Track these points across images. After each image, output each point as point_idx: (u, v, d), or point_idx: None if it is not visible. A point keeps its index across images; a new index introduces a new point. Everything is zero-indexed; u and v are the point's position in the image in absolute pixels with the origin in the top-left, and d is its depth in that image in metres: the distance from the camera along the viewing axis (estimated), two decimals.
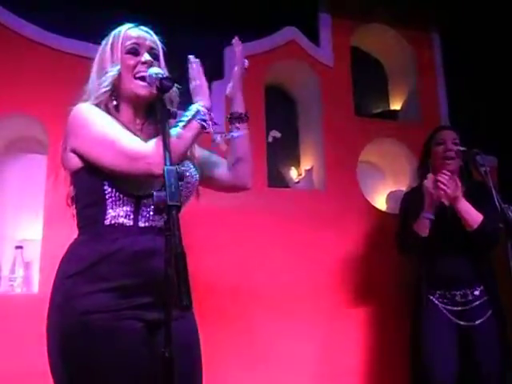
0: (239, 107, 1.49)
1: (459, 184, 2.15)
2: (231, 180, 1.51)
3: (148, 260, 1.20)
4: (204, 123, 1.22)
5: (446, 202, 2.22)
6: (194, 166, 1.41)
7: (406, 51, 3.20)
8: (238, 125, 1.48)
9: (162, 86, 1.18)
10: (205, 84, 1.29)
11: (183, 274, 0.91)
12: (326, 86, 2.92)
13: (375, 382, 2.64)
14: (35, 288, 2.33)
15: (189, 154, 1.37)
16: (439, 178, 2.14)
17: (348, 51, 3.04)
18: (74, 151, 1.29)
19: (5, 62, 2.40)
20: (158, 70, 1.24)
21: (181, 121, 1.23)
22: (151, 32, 1.41)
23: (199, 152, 1.48)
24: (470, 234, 2.16)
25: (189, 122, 1.22)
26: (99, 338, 1.16)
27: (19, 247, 2.36)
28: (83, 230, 1.30)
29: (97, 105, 1.31)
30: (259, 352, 2.44)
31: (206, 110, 1.24)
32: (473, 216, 2.15)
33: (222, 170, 1.51)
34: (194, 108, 1.24)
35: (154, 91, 1.22)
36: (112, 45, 1.36)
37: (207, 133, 1.27)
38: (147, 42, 1.37)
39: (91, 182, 1.27)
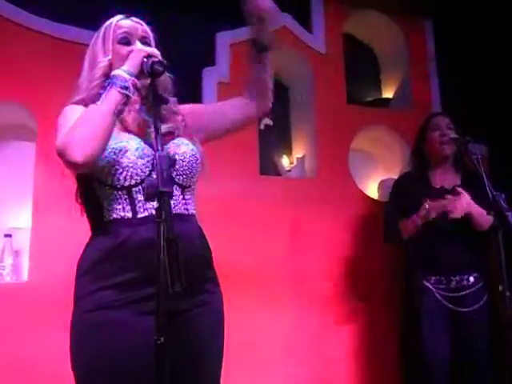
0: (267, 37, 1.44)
1: (467, 197, 2.13)
2: (253, 111, 1.49)
3: (149, 250, 1.14)
4: (124, 90, 1.15)
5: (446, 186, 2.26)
6: (189, 142, 1.36)
7: (398, 38, 3.18)
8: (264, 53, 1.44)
9: (153, 71, 1.15)
10: (135, 51, 1.22)
11: (175, 260, 0.90)
12: (318, 73, 2.91)
13: (367, 368, 2.66)
14: (25, 276, 2.32)
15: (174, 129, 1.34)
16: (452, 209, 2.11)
17: (340, 38, 3.03)
18: None
19: (3, 51, 2.36)
20: None
21: (99, 94, 1.19)
22: (142, 22, 1.39)
23: (206, 110, 1.49)
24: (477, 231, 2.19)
25: (106, 92, 1.16)
26: (106, 335, 1.16)
27: (8, 235, 2.34)
28: (92, 228, 1.30)
29: (85, 98, 1.28)
30: (252, 338, 2.45)
31: (127, 75, 1.17)
32: (484, 221, 2.16)
33: (241, 107, 1.48)
34: (112, 75, 1.19)
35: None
36: (103, 36, 1.34)
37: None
38: (139, 32, 1.35)
39: (82, 182, 1.26)
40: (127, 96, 1.17)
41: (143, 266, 1.17)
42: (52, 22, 2.48)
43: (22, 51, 2.39)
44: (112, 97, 1.16)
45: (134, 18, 1.38)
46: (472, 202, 2.13)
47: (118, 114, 1.17)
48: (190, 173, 1.31)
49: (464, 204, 2.11)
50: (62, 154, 1.13)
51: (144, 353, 1.12)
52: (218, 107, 1.54)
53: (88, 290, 1.19)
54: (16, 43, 2.40)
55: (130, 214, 1.22)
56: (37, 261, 2.25)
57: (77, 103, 1.29)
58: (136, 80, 1.17)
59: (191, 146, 1.34)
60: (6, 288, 2.25)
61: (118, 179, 1.21)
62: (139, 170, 1.21)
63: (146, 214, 1.22)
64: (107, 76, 1.28)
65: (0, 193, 2.46)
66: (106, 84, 1.18)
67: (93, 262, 1.21)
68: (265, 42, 1.43)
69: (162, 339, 0.93)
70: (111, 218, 1.23)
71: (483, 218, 2.13)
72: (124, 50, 1.31)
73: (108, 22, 1.38)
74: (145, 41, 1.35)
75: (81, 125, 1.14)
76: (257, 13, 1.39)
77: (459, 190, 2.12)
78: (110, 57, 1.30)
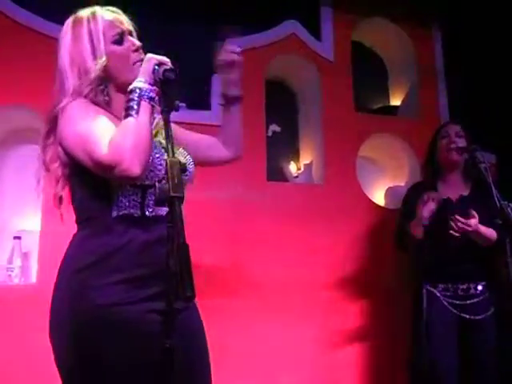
0: (235, 90, 1.50)
1: (475, 217, 2.12)
2: (228, 155, 1.54)
3: (156, 249, 1.19)
4: (152, 101, 1.17)
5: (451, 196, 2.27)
6: (187, 152, 1.39)
7: (406, 47, 3.19)
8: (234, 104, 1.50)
9: (165, 78, 1.15)
10: (145, 60, 1.22)
11: (186, 265, 0.91)
12: (326, 81, 2.92)
13: (373, 375, 2.65)
14: (33, 278, 2.34)
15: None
16: (454, 227, 2.11)
17: (349, 46, 3.04)
18: (63, 149, 1.25)
19: (3, 53, 2.39)
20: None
21: (129, 107, 1.16)
22: (120, 11, 1.37)
23: (188, 135, 1.50)
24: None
25: (138, 104, 1.16)
26: (118, 332, 1.15)
27: (17, 237, 2.36)
28: (87, 223, 1.27)
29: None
30: (255, 346, 2.45)
31: (148, 85, 1.17)
32: (488, 238, 2.16)
33: (216, 148, 1.53)
34: (135, 88, 1.18)
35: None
36: (90, 34, 1.29)
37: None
38: (126, 25, 1.34)
39: (94, 175, 1.21)
40: (153, 106, 1.18)
41: (152, 264, 1.19)
42: (58, 24, 2.49)
43: (32, 55, 2.41)
44: (146, 109, 1.17)
45: (112, 9, 1.35)
46: (478, 225, 2.12)
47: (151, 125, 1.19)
48: (189, 179, 1.36)
49: (469, 226, 2.10)
50: (113, 167, 1.11)
51: (153, 353, 1.12)
52: (197, 138, 1.54)
53: (98, 284, 1.17)
54: (27, 47, 2.42)
55: (138, 212, 1.23)
56: (45, 263, 2.27)
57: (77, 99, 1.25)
58: (159, 90, 1.17)
59: (190, 158, 1.38)
60: (14, 290, 2.27)
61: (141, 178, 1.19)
62: (159, 173, 1.23)
63: (154, 213, 1.24)
64: (104, 78, 1.27)
65: (10, 195, 2.48)
66: (135, 97, 1.17)
67: (101, 256, 1.19)
68: (234, 95, 1.49)
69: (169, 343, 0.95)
70: (120, 214, 1.22)
71: (487, 237, 2.14)
72: (120, 49, 1.30)
73: (88, 15, 1.31)
74: (132, 34, 1.34)
75: (129, 139, 1.13)
76: (226, 66, 1.45)
77: (473, 213, 2.11)
78: (104, 59, 1.27)
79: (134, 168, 1.11)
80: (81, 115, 1.22)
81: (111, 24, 1.31)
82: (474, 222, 2.10)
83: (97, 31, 1.29)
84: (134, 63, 1.29)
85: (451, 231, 2.10)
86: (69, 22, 1.35)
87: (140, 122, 1.15)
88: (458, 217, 2.10)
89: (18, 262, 2.32)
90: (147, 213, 1.23)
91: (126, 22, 1.35)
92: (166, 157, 1.24)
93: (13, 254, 2.33)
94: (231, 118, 1.51)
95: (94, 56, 1.28)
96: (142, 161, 1.13)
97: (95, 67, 1.26)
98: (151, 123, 1.19)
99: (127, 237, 1.21)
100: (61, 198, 1.31)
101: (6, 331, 2.14)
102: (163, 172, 1.21)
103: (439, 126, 2.49)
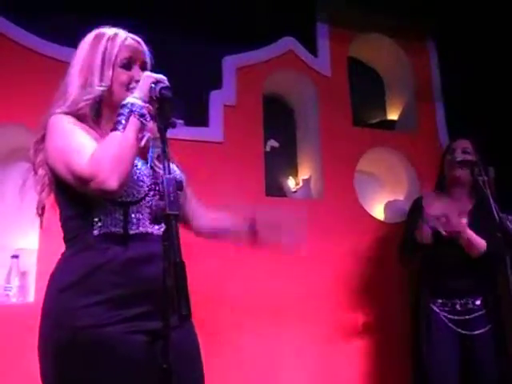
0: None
1: (463, 220, 2.12)
2: (192, 227, 1.52)
3: (142, 267, 1.18)
4: (142, 118, 1.17)
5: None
6: (178, 168, 1.39)
7: (403, 61, 3.22)
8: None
9: (162, 96, 1.16)
10: (142, 77, 1.22)
11: (182, 283, 0.90)
12: (323, 96, 2.93)
13: None
14: (31, 297, 2.32)
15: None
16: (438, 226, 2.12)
17: (345, 61, 3.06)
18: (48, 166, 1.25)
19: (5, 72, 2.40)
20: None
21: (117, 121, 1.16)
22: (142, 42, 1.37)
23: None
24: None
25: (127, 119, 1.16)
26: (99, 354, 1.12)
27: (15, 256, 2.34)
28: (71, 242, 1.26)
29: (72, 113, 1.26)
30: (249, 361, 2.42)
31: (142, 102, 1.17)
32: (476, 246, 2.14)
33: (194, 215, 1.51)
34: (127, 103, 1.18)
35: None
36: (103, 54, 1.30)
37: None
38: (141, 56, 1.34)
39: (75, 192, 1.20)
40: (143, 123, 1.18)
41: (136, 283, 1.17)
42: (57, 45, 2.50)
43: (34, 75, 2.42)
44: (134, 125, 1.17)
45: (135, 37, 1.36)
46: (467, 229, 2.12)
47: (139, 141, 1.19)
48: (182, 196, 1.34)
49: (460, 225, 2.10)
50: (90, 179, 1.10)
51: (140, 374, 1.12)
52: (191, 198, 1.51)
53: (77, 305, 1.15)
54: (28, 67, 2.43)
55: (121, 230, 1.21)
56: (43, 282, 2.22)
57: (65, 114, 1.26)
58: (151, 107, 1.18)
59: (180, 174, 1.38)
60: (12, 309, 2.25)
61: (120, 195, 1.19)
62: (141, 189, 1.22)
63: (137, 231, 1.22)
64: (101, 96, 1.28)
65: (7, 214, 2.47)
66: (125, 112, 1.17)
67: (81, 276, 1.17)
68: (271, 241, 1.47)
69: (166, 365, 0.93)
70: (101, 232, 1.21)
71: (475, 244, 2.13)
72: (125, 75, 1.30)
73: (109, 35, 1.33)
74: (144, 66, 1.34)
75: (110, 152, 1.12)
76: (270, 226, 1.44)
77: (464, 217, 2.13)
78: (108, 83, 1.28)
79: (112, 181, 1.10)
80: (64, 130, 1.22)
81: (127, 48, 1.32)
82: (463, 221, 2.10)
83: (111, 52, 1.30)
84: (130, 90, 1.28)
85: (444, 229, 2.09)
86: (92, 34, 1.36)
87: (125, 136, 1.15)
88: (449, 216, 2.10)
89: (15, 282, 2.30)
90: (130, 231, 1.21)
91: (143, 54, 1.35)
92: (150, 171, 1.26)
93: (10, 273, 2.31)
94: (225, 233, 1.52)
95: (101, 76, 1.29)
96: (122, 175, 1.11)
97: (97, 87, 1.27)
98: (138, 140, 1.18)
99: (109, 255, 1.18)
100: (43, 208, 1.31)
101: (4, 351, 2.12)
102: (146, 189, 1.22)
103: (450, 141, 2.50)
